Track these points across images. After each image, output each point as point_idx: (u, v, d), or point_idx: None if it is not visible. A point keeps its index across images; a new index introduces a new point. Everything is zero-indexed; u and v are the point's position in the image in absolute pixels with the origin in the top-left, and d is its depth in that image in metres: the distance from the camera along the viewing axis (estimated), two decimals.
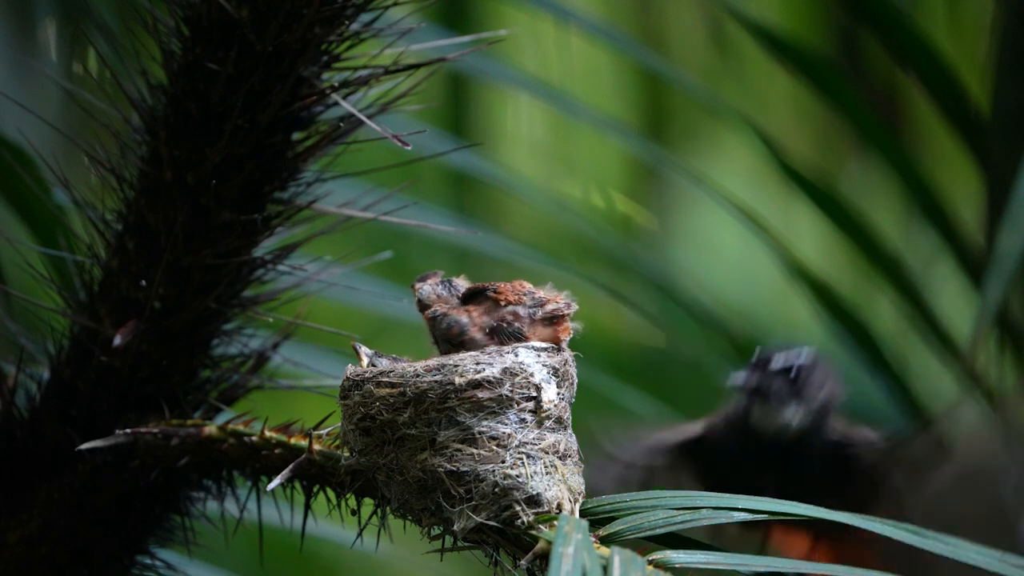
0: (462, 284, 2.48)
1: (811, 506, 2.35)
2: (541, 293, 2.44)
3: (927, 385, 3.78)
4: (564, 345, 2.43)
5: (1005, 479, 3.73)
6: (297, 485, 2.52)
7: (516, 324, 2.42)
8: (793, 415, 2.79)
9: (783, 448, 2.81)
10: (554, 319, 2.42)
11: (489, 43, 3.00)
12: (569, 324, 2.42)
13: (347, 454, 2.42)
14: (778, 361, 2.80)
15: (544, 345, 2.41)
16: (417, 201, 2.95)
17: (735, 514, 2.33)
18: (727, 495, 2.34)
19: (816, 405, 2.80)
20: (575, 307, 2.43)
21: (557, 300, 2.43)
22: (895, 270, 3.63)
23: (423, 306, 2.47)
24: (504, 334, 2.42)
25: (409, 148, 2.58)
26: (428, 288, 2.48)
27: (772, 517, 2.34)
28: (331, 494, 2.50)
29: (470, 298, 2.46)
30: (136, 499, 2.65)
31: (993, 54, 3.69)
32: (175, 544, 2.72)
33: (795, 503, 2.35)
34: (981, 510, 2.83)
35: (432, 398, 2.37)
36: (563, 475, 2.38)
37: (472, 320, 2.44)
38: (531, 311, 2.43)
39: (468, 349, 2.41)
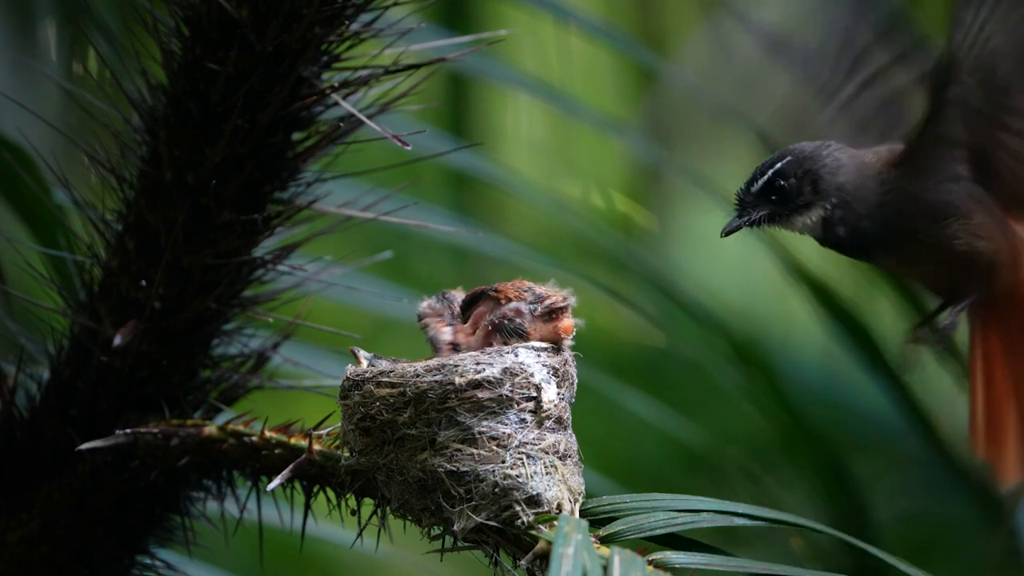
0: (458, 295, 2.49)
1: (806, 520, 2.35)
2: (541, 290, 2.44)
3: (927, 385, 3.78)
4: (567, 343, 2.43)
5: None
6: (297, 485, 2.52)
7: (518, 320, 2.42)
8: (804, 219, 2.69)
9: (835, 237, 2.72)
10: (552, 313, 2.42)
11: (489, 43, 3.00)
12: (571, 321, 2.43)
13: (347, 454, 2.42)
14: (756, 183, 2.70)
15: (544, 345, 2.41)
16: (417, 201, 2.96)
17: (735, 519, 2.33)
18: (728, 501, 2.34)
19: (824, 189, 2.70)
20: (573, 300, 2.43)
21: (556, 295, 2.43)
22: None
23: (420, 319, 2.49)
24: (506, 331, 2.42)
25: (409, 148, 2.58)
26: (425, 304, 2.49)
27: (770, 524, 2.35)
28: (331, 494, 2.50)
29: (472, 302, 2.47)
30: (136, 499, 2.65)
31: None
32: (175, 544, 2.72)
33: (790, 514, 2.35)
34: None
35: (432, 398, 2.37)
36: (563, 475, 2.38)
37: (455, 337, 2.45)
38: (532, 307, 2.43)
39: None
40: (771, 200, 2.68)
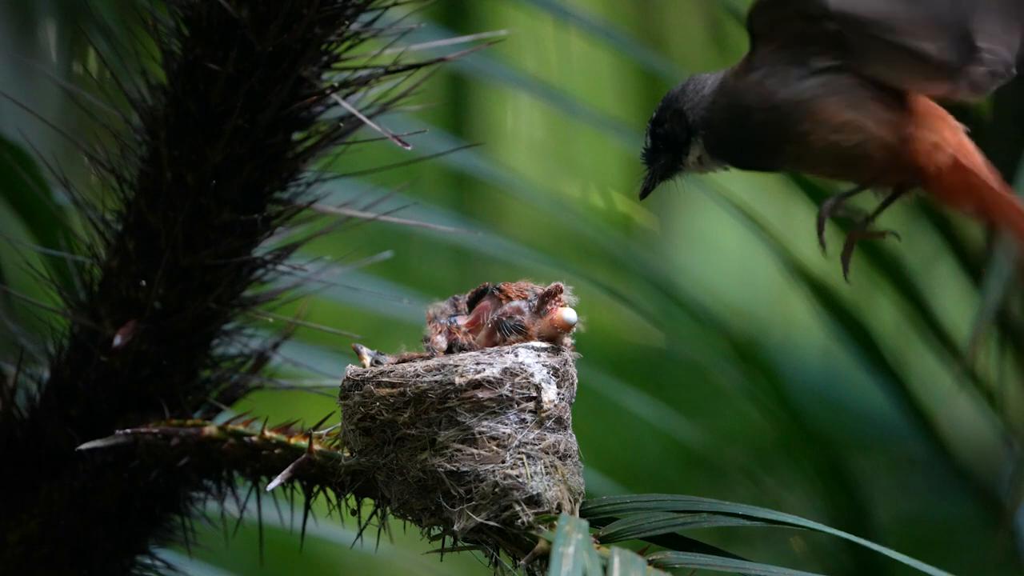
0: (463, 299, 2.50)
1: (804, 519, 2.35)
2: (543, 290, 2.45)
3: (927, 385, 3.78)
4: (568, 342, 2.43)
5: (1001, 475, 3.71)
6: (297, 485, 2.52)
7: (518, 317, 2.42)
8: (691, 158, 2.60)
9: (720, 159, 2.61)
10: (544, 300, 2.43)
11: (489, 43, 3.00)
12: (570, 315, 2.42)
13: (347, 454, 2.42)
14: (647, 140, 2.62)
15: (544, 345, 2.41)
16: (417, 201, 2.96)
17: (735, 519, 2.33)
18: (727, 502, 2.34)
19: (692, 122, 2.57)
20: (561, 285, 2.43)
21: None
22: (895, 270, 3.63)
23: (429, 319, 2.49)
24: (505, 328, 2.42)
25: (409, 148, 2.58)
26: (435, 308, 2.49)
27: (768, 524, 2.35)
28: (331, 494, 2.50)
29: (477, 297, 2.47)
30: (136, 499, 2.65)
31: None
32: (175, 544, 2.72)
33: (789, 515, 2.35)
34: None
35: (432, 398, 2.37)
36: (563, 475, 2.38)
37: (451, 338, 2.45)
38: (530, 304, 2.44)
39: None
40: (662, 150, 2.62)
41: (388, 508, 2.41)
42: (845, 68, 2.54)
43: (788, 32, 2.56)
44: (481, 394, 2.37)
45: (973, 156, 2.56)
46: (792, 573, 2.28)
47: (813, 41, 2.55)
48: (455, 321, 2.46)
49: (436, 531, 2.39)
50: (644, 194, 2.64)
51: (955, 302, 3.92)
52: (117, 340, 2.60)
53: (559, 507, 2.37)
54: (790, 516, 2.34)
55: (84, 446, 2.58)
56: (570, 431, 2.41)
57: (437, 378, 2.37)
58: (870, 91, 2.55)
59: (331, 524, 2.66)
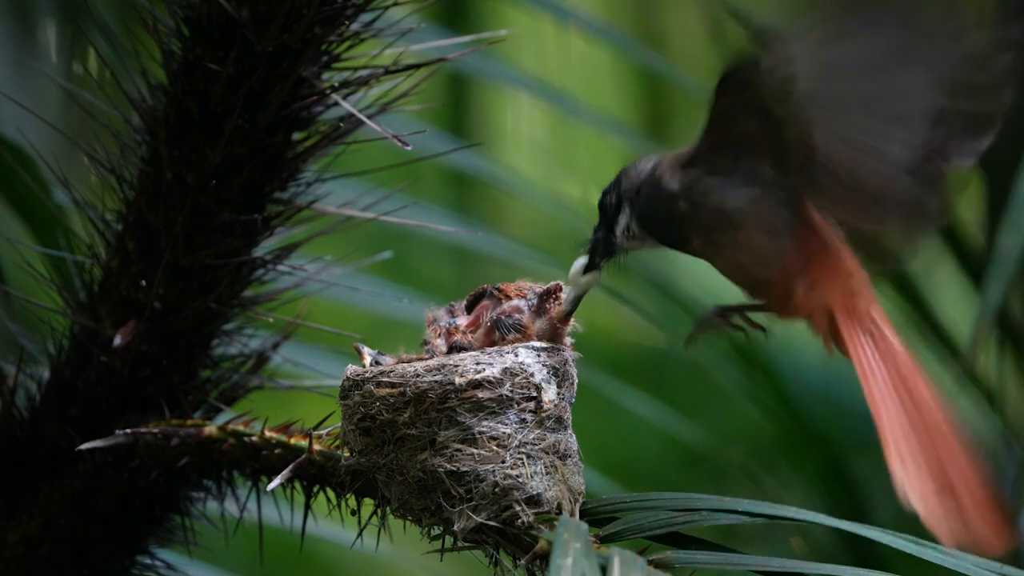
0: (459, 305, 2.50)
1: (806, 511, 2.35)
2: (542, 289, 2.45)
3: None
4: (567, 340, 2.44)
5: (1002, 476, 3.71)
6: (297, 485, 2.52)
7: (516, 316, 2.42)
8: (620, 229, 2.51)
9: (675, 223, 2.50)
10: (544, 299, 2.43)
11: (489, 43, 3.00)
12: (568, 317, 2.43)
13: (347, 454, 2.43)
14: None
15: (544, 345, 2.41)
16: (417, 201, 2.96)
17: (735, 516, 2.33)
18: (728, 499, 2.34)
19: (624, 192, 2.48)
20: (561, 284, 2.43)
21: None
22: (895, 270, 3.62)
23: (428, 322, 2.49)
24: (504, 327, 2.43)
25: (409, 148, 2.58)
26: (434, 312, 2.49)
27: (770, 520, 2.35)
28: (331, 494, 2.50)
29: (476, 300, 2.47)
30: (136, 499, 2.65)
31: None
32: (175, 544, 2.72)
33: (790, 508, 2.35)
34: None
35: (432, 398, 2.37)
36: (563, 475, 2.38)
37: (450, 340, 2.46)
38: (530, 303, 2.44)
39: None
40: (601, 221, 2.53)
41: (388, 508, 2.41)
42: (781, 184, 2.42)
43: (741, 128, 2.43)
44: (481, 394, 2.37)
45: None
46: (792, 563, 2.28)
47: (760, 146, 2.42)
48: (455, 323, 2.47)
49: (436, 531, 2.39)
50: (587, 270, 2.51)
51: (955, 302, 3.92)
52: (117, 340, 2.60)
53: (559, 507, 2.37)
54: (791, 509, 2.34)
55: (84, 446, 2.58)
56: (570, 431, 2.41)
57: (437, 378, 2.37)
58: (796, 216, 2.44)
59: (331, 524, 2.66)
